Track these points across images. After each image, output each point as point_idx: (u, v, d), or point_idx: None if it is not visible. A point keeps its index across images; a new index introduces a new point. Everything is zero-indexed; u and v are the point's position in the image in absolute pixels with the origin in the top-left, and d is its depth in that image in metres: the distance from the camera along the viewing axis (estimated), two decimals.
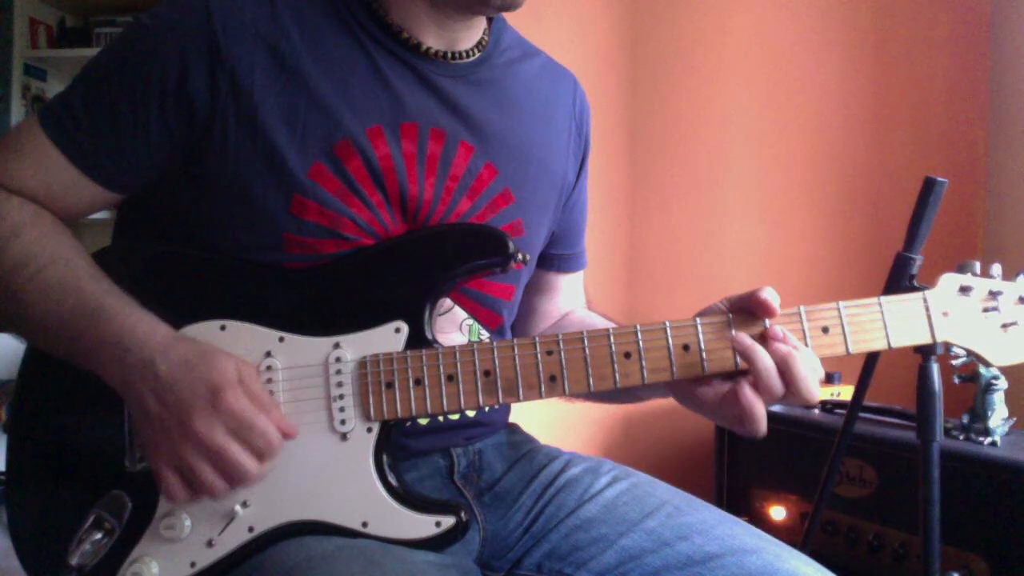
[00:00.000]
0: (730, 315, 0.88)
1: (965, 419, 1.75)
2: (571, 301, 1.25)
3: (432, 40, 1.00)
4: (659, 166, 2.54)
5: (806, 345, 0.87)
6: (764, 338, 0.86)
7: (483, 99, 1.04)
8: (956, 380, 1.74)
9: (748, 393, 0.85)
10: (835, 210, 2.41)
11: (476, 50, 1.05)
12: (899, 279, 1.18)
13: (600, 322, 1.19)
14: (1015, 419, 1.75)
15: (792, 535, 1.86)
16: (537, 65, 1.14)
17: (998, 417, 1.71)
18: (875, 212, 2.36)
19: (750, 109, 2.46)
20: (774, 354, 0.84)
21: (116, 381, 0.85)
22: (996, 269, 0.94)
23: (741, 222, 2.48)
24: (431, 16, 0.99)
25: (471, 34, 1.04)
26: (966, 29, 2.32)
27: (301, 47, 0.94)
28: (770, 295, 0.86)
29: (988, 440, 1.69)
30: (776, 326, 0.86)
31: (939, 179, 1.19)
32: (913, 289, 1.15)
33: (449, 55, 1.02)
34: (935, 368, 1.17)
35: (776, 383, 0.83)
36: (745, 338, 0.86)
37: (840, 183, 2.41)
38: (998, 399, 1.72)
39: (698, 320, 0.88)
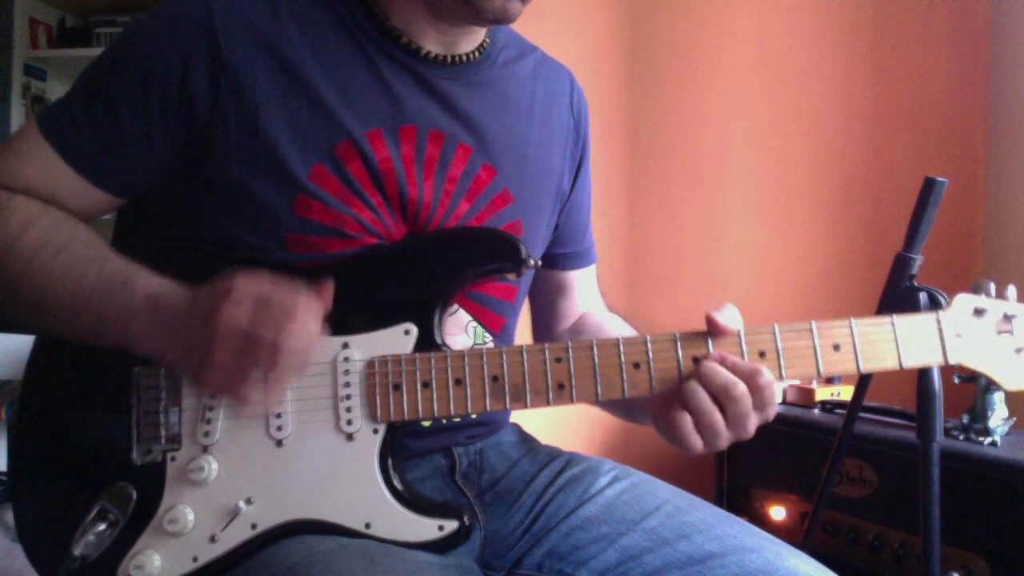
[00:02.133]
0: (676, 334, 0.88)
1: (965, 419, 1.75)
2: (588, 298, 1.24)
3: (432, 44, 1.00)
4: (659, 166, 2.54)
5: (817, 361, 0.87)
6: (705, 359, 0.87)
7: (481, 100, 1.04)
8: (956, 380, 1.74)
9: (676, 416, 0.85)
10: (835, 210, 2.41)
11: (477, 53, 1.05)
12: (899, 279, 1.18)
13: (615, 327, 1.18)
14: (1015, 419, 1.75)
15: (792, 535, 1.86)
16: (533, 62, 1.14)
17: (998, 417, 1.72)
18: (875, 212, 2.36)
19: (750, 109, 2.46)
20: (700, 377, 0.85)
21: (151, 338, 0.84)
22: (1012, 291, 0.92)
23: (741, 222, 2.48)
24: (430, 23, 0.99)
25: (471, 39, 1.04)
26: (966, 29, 2.32)
27: (303, 49, 0.94)
28: (723, 315, 0.86)
29: (988, 440, 1.69)
30: (716, 353, 0.86)
31: (939, 179, 1.19)
32: (913, 289, 1.15)
33: (448, 59, 1.02)
34: (935, 368, 1.17)
35: (704, 409, 0.84)
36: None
37: (840, 183, 2.41)
38: (998, 399, 1.73)
39: (620, 340, 0.88)
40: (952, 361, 0.90)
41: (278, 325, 0.79)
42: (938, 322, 0.90)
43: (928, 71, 2.35)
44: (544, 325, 1.23)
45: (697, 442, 0.86)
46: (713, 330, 0.87)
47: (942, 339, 0.89)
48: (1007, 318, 0.91)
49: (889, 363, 0.88)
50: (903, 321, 0.89)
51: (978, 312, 0.91)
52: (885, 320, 0.89)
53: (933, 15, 2.34)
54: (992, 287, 0.93)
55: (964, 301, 0.91)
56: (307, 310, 0.81)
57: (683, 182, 2.52)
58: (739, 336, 0.87)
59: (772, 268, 2.43)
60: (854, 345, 0.87)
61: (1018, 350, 0.91)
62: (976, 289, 0.93)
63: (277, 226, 0.92)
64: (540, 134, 1.10)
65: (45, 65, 3.15)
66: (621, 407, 1.05)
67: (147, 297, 0.84)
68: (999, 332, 0.91)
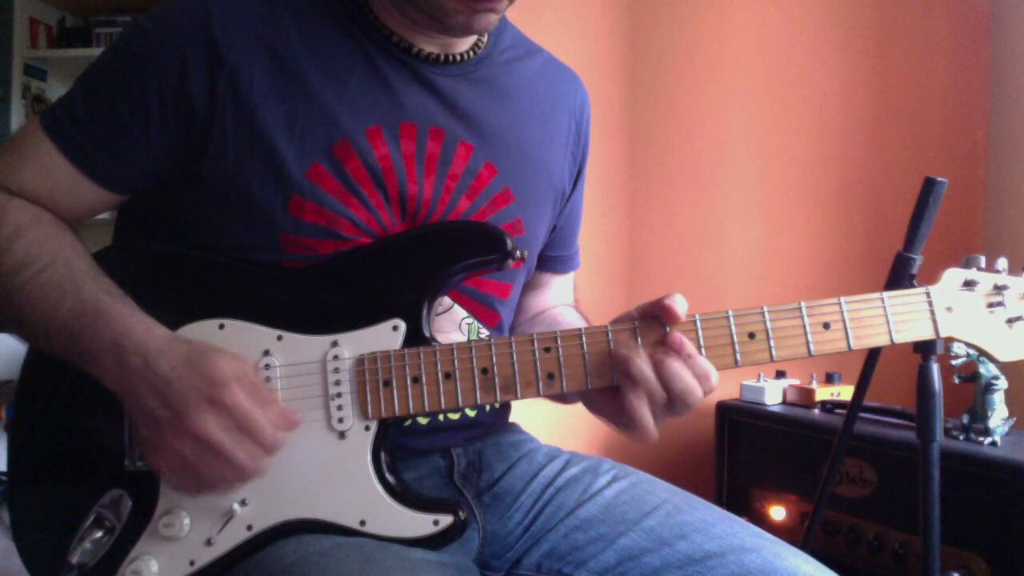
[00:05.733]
0: (636, 323, 0.87)
1: (965, 419, 1.75)
2: (558, 299, 1.24)
3: (424, 44, 1.00)
4: (659, 166, 2.53)
5: (807, 340, 0.87)
6: (663, 344, 0.85)
7: (482, 97, 1.04)
8: (956, 380, 1.74)
9: (632, 399, 0.84)
10: (835, 210, 2.41)
11: (473, 51, 1.04)
12: (899, 279, 1.17)
13: (573, 320, 1.19)
14: (1015, 419, 1.75)
15: (792, 535, 1.85)
16: (539, 63, 1.14)
17: (998, 417, 1.72)
18: (875, 212, 2.36)
19: (750, 109, 2.46)
20: (654, 362, 0.84)
21: (114, 382, 0.84)
22: (1002, 263, 0.92)
23: (741, 222, 2.47)
24: (415, 28, 0.98)
25: (465, 39, 1.03)
26: (966, 29, 2.32)
27: (300, 47, 0.94)
28: (675, 302, 0.85)
29: (988, 440, 1.69)
30: (675, 333, 0.85)
31: (939, 179, 1.18)
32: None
33: (444, 57, 1.01)
34: (935, 368, 1.16)
35: (655, 389, 0.83)
36: (621, 347, 0.86)
37: (840, 183, 2.40)
38: (998, 399, 1.72)
39: (609, 327, 0.88)
40: (943, 334, 0.90)
41: (255, 452, 0.81)
42: (928, 296, 0.90)
43: (928, 71, 2.34)
44: None
45: (650, 436, 0.86)
46: (667, 319, 0.86)
47: (932, 313, 0.90)
48: (997, 289, 0.91)
49: (880, 339, 0.88)
50: (893, 296, 0.89)
51: (968, 285, 0.90)
52: (874, 296, 0.89)
53: (933, 15, 2.34)
54: (982, 260, 0.92)
55: (953, 275, 0.91)
56: (280, 445, 0.83)
57: (683, 182, 2.51)
58: (728, 318, 0.87)
59: (772, 268, 2.43)
60: (844, 323, 0.87)
61: (1010, 321, 0.91)
62: (967, 263, 0.92)
63: (272, 226, 0.92)
64: (542, 133, 1.10)
65: (45, 65, 3.15)
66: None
67: (113, 342, 0.84)
68: (990, 304, 0.91)
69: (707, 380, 0.84)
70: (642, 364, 0.84)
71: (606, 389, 0.88)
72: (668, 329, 0.86)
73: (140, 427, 0.84)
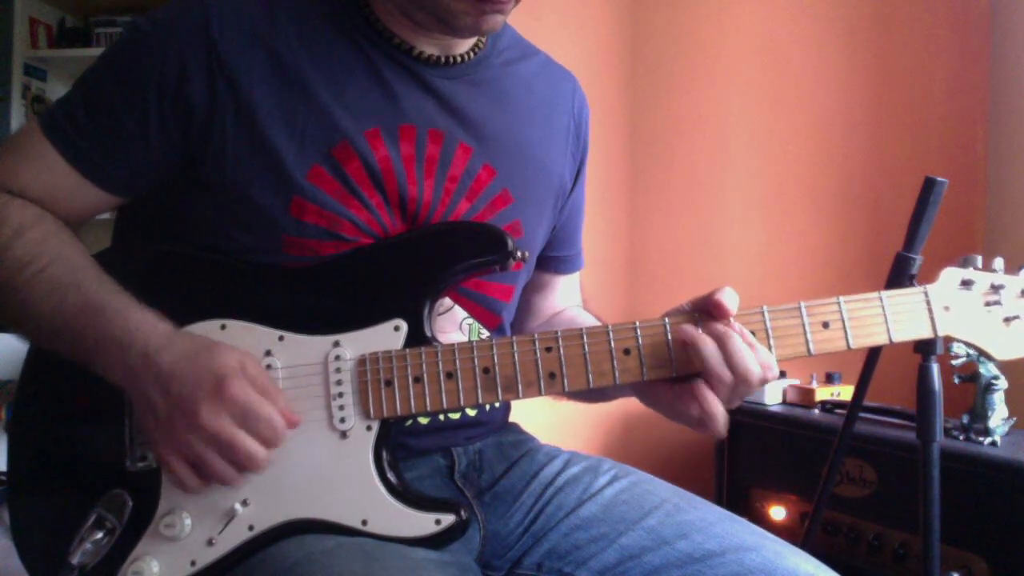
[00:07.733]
0: (696, 315, 0.88)
1: (965, 419, 1.75)
2: (567, 300, 1.24)
3: (425, 46, 1.00)
4: (659, 166, 2.54)
5: (806, 339, 0.87)
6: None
7: (481, 99, 1.04)
8: (956, 380, 1.74)
9: (703, 389, 0.85)
10: (835, 210, 2.41)
11: (472, 53, 1.04)
12: (899, 279, 1.18)
13: (589, 321, 1.18)
14: (1015, 419, 1.75)
15: (792, 535, 1.85)
16: (536, 65, 1.14)
17: (998, 417, 1.72)
18: (875, 212, 2.36)
19: (750, 109, 2.46)
20: (713, 335, 0.85)
21: (119, 378, 0.85)
22: (999, 263, 0.93)
23: (741, 222, 2.48)
24: (417, 30, 0.99)
25: (466, 40, 1.03)
26: (966, 29, 2.32)
27: (299, 50, 0.94)
28: (727, 297, 0.86)
29: (988, 440, 1.69)
30: (731, 321, 0.86)
31: (939, 179, 1.18)
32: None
33: (444, 59, 1.01)
34: (935, 368, 1.17)
35: (722, 368, 0.84)
36: (689, 327, 0.86)
37: (840, 183, 2.40)
38: (998, 399, 1.72)
39: (666, 320, 0.88)
40: (941, 333, 0.91)
41: (259, 441, 0.82)
42: (926, 295, 0.91)
43: (928, 71, 2.34)
44: (516, 320, 1.22)
45: (721, 426, 0.86)
46: (719, 314, 0.87)
47: (930, 312, 0.90)
48: (994, 288, 0.91)
49: (879, 338, 0.89)
50: (891, 296, 0.90)
51: (965, 284, 0.91)
52: (873, 296, 0.89)
53: (933, 15, 2.34)
54: (979, 260, 0.93)
55: (951, 274, 0.92)
56: (284, 436, 0.84)
57: (683, 182, 2.52)
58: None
59: (772, 268, 2.43)
60: (843, 322, 0.88)
61: (1007, 320, 0.91)
62: (964, 262, 0.93)
63: (273, 228, 0.92)
64: (540, 134, 1.10)
65: (45, 65, 3.16)
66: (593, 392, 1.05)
67: (115, 338, 0.84)
68: (987, 303, 0.92)
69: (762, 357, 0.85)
70: (708, 342, 0.84)
71: (663, 380, 0.89)
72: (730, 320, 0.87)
73: (146, 421, 0.85)
